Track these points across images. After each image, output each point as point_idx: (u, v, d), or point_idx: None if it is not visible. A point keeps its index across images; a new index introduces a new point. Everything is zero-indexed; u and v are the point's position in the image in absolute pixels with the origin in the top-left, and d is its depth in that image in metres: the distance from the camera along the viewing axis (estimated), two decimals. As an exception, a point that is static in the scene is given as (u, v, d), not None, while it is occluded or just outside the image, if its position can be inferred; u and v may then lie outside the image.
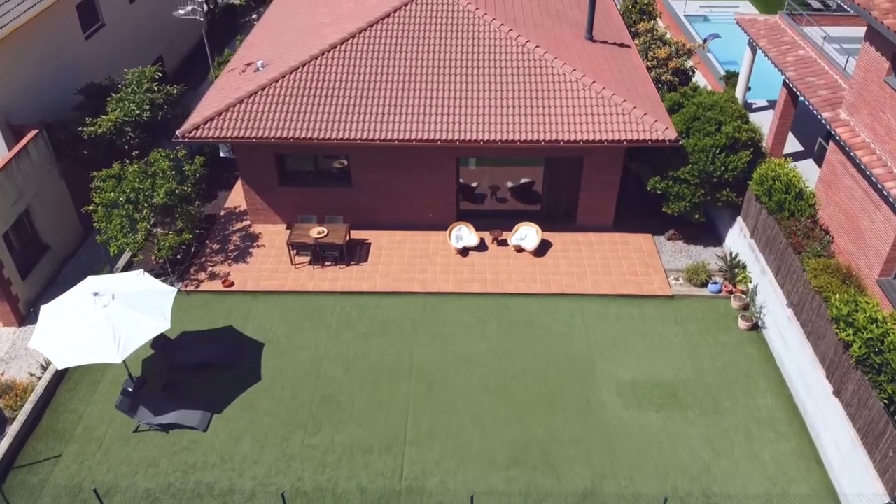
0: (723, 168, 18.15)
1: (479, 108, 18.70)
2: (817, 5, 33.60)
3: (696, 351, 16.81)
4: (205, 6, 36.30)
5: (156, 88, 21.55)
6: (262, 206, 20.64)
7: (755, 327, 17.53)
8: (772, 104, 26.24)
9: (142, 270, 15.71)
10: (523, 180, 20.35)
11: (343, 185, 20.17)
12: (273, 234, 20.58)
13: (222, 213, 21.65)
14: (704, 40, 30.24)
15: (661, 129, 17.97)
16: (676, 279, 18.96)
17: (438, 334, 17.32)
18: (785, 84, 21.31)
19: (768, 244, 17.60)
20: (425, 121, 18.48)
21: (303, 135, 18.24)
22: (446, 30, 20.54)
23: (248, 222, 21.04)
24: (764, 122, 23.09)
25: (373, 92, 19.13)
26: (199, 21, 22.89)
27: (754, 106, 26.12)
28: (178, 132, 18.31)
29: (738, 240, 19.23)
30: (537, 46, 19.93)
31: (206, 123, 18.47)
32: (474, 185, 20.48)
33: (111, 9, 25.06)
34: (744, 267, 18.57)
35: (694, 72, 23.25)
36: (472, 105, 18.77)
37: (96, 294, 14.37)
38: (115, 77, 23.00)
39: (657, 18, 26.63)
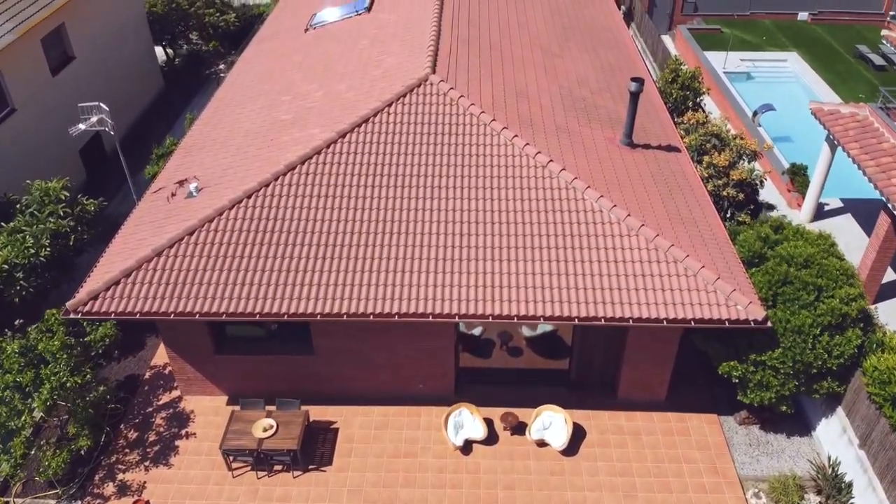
0: (825, 355, 13.04)
1: (487, 266, 13.57)
2: None
3: None
4: (169, 51, 31.33)
5: (62, 213, 16.44)
6: (194, 377, 15.51)
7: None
8: (847, 206, 21.14)
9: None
10: (545, 328, 15.28)
11: (302, 353, 15.05)
12: (209, 414, 15.45)
13: (148, 373, 16.52)
14: (755, 113, 25.13)
15: (743, 303, 12.83)
16: (757, 495, 13.83)
17: None
18: (887, 210, 16.24)
19: (890, 468, 12.50)
20: (413, 282, 13.36)
21: (244, 308, 13.11)
22: (440, 145, 15.41)
23: (179, 393, 15.91)
24: (838, 231, 18.08)
25: (342, 240, 14.00)
26: (110, 134, 17.68)
27: (826, 208, 21.02)
28: (67, 305, 13.17)
29: (839, 443, 14.10)
30: (563, 169, 14.81)
31: (107, 291, 13.33)
32: (478, 332, 15.41)
33: (25, 87, 19.98)
34: (849, 487, 13.45)
35: (763, 183, 18.10)
36: (476, 262, 13.63)
37: None
38: (11, 194, 17.86)
39: (706, 94, 21.52)
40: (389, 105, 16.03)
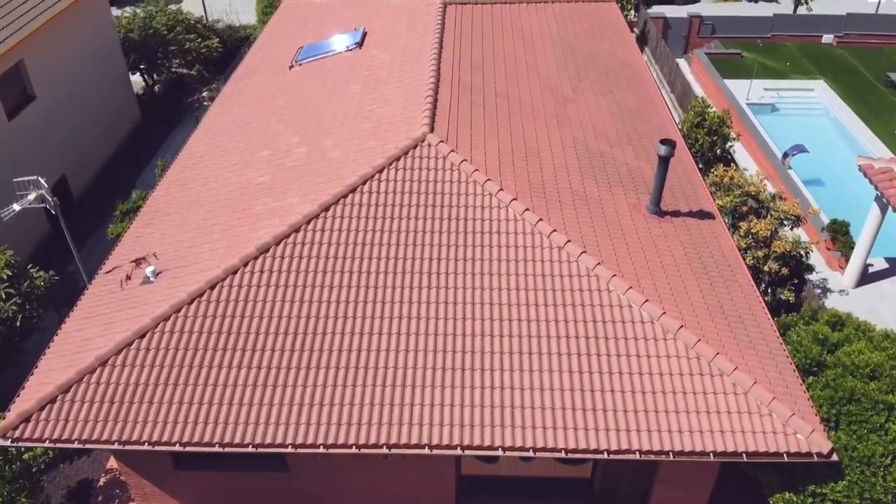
0: (902, 490, 10.86)
1: (495, 378, 11.37)
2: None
3: None
4: (147, 79, 29.09)
5: (3, 294, 14.25)
6: (152, 492, 13.30)
7: None
8: (893, 266, 18.96)
9: None
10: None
11: (275, 469, 12.84)
12: (171, 536, 13.26)
13: (103, 478, 14.33)
14: (785, 155, 22.92)
15: (805, 431, 10.62)
16: None
17: None
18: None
19: None
20: (406, 400, 11.15)
21: (202, 436, 10.89)
22: (439, 219, 13.21)
23: (136, 507, 13.73)
24: (889, 300, 15.95)
25: (320, 344, 11.79)
26: (52, 212, 15.43)
27: (871, 269, 18.81)
28: (-7, 432, 10.98)
29: (915, 585, 11.88)
30: (583, 252, 12.60)
31: (41, 412, 11.12)
32: (483, 436, 13.16)
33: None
34: None
35: (809, 254, 15.89)
36: (482, 373, 11.42)
37: None
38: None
39: (735, 140, 19.31)
40: (381, 171, 13.82)
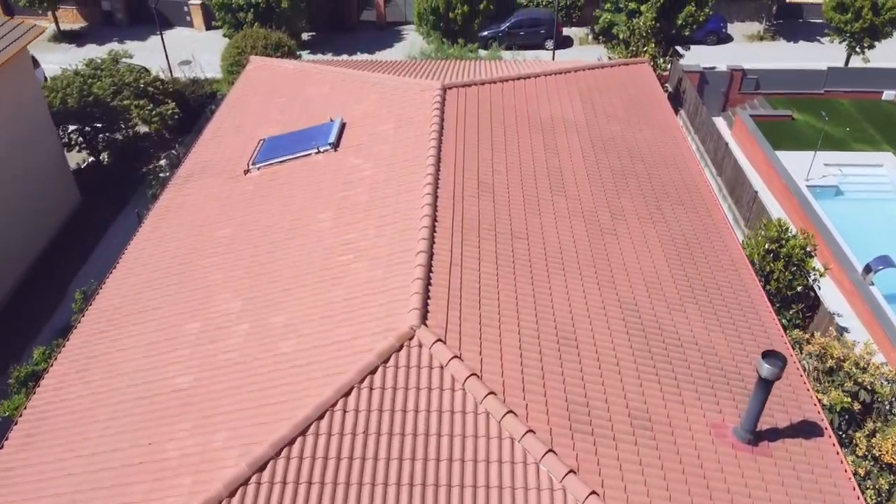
0: None
1: None
2: None
3: None
4: (87, 154, 24.13)
5: None
6: None
7: None
8: None
9: None
10: None
11: None
12: None
13: None
14: (867, 269, 18.43)
15: None
16: None
17: None
18: None
19: None
20: None
21: None
22: (432, 470, 8.70)
23: None
24: None
25: None
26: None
27: None
28: None
29: None
30: (657, 552, 8.12)
31: None
32: None
33: None
34: None
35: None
36: None
37: None
38: None
39: (823, 275, 14.85)
40: (346, 395, 9.36)
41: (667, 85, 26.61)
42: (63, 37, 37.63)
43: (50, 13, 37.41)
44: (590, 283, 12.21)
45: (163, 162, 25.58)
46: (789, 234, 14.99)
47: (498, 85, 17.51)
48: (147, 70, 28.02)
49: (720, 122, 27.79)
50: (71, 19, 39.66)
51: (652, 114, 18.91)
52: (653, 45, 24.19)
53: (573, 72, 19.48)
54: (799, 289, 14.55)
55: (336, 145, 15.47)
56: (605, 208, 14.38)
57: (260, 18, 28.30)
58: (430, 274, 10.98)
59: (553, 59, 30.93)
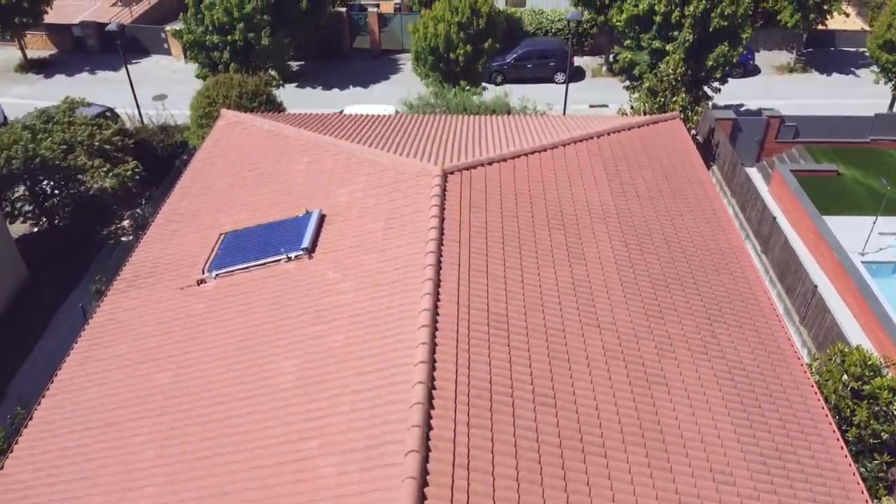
0: None
1: None
2: None
3: None
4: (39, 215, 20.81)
5: None
6: None
7: None
8: None
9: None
10: None
11: None
12: None
13: None
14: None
15: None
16: None
17: None
18: None
19: None
20: None
21: None
22: None
23: None
24: None
25: None
26: None
27: None
28: None
29: None
30: None
31: None
32: None
33: None
34: None
35: None
36: None
37: None
38: None
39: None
40: None
41: (695, 134, 23.60)
42: (30, 66, 34.64)
43: (16, 40, 34.43)
44: (640, 474, 9.17)
45: (126, 223, 22.56)
46: (875, 368, 11.94)
47: (508, 163, 14.51)
48: (109, 115, 25.00)
49: (754, 174, 24.79)
50: (40, 45, 36.69)
51: (690, 190, 15.92)
52: (683, 96, 21.16)
53: (595, 138, 16.50)
54: (885, 436, 11.60)
55: (311, 250, 12.46)
56: (648, 339, 11.36)
57: (237, 58, 25.23)
58: (425, 487, 7.97)
59: (566, 91, 27.87)
